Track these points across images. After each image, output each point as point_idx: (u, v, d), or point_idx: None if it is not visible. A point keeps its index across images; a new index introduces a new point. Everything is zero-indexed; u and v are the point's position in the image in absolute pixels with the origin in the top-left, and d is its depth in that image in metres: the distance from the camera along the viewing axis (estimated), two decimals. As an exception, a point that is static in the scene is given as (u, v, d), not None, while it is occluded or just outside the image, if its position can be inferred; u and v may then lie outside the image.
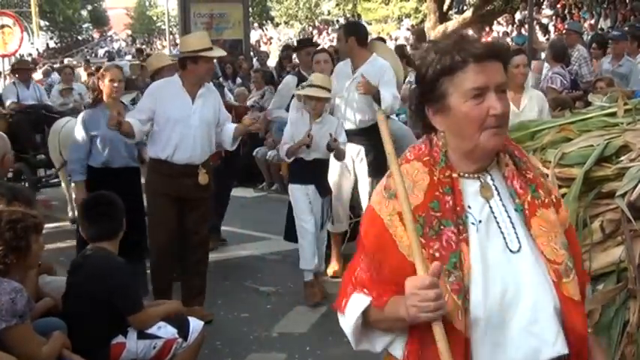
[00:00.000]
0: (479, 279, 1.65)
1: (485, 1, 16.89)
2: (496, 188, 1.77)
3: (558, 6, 22.64)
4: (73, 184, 7.79)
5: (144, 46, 37.94)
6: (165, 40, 33.85)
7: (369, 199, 5.99)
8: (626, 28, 11.61)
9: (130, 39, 50.72)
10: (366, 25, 13.96)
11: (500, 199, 1.75)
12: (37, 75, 15.51)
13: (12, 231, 3.15)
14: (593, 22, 20.19)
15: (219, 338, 4.76)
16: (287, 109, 6.21)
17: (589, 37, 12.87)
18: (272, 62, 16.92)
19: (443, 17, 16.91)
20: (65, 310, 3.64)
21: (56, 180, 8.51)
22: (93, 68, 19.19)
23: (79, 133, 5.40)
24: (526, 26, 16.05)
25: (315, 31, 33.11)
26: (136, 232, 5.25)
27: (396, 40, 22.11)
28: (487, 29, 19.47)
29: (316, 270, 5.52)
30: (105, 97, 5.39)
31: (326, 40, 27.67)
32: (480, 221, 1.72)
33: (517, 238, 1.72)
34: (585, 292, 1.85)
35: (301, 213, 5.41)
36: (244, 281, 6.01)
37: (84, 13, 55.07)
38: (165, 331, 3.65)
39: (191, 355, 3.74)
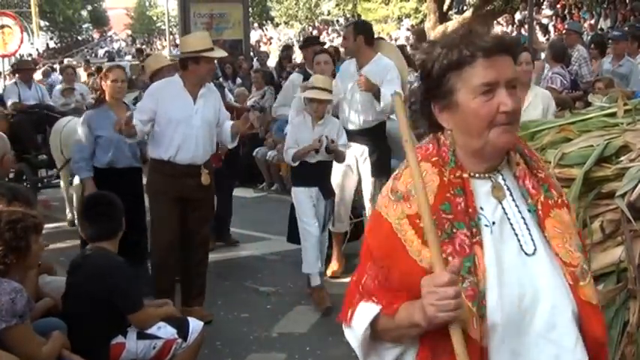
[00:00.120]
0: (494, 284, 1.58)
1: (485, 1, 16.88)
2: (508, 188, 1.69)
3: (558, 6, 22.65)
4: (73, 185, 7.84)
5: (144, 47, 37.95)
6: (166, 40, 33.85)
7: (372, 199, 5.96)
8: (626, 29, 11.62)
9: (130, 39, 50.71)
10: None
11: (513, 200, 1.69)
12: (37, 75, 15.49)
13: (12, 231, 3.16)
14: (593, 22, 20.19)
15: (219, 338, 4.76)
16: None
17: (589, 37, 12.86)
18: (272, 62, 16.92)
19: (443, 17, 16.91)
20: (65, 311, 3.64)
21: (57, 180, 8.49)
22: (93, 68, 19.21)
23: (84, 134, 5.39)
24: (526, 26, 16.05)
25: (315, 32, 33.07)
26: (135, 232, 5.26)
27: (396, 40, 22.10)
28: (487, 29, 19.41)
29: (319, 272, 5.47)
30: (108, 98, 5.39)
31: (326, 40, 27.66)
32: (494, 223, 1.64)
33: (532, 240, 1.65)
34: None
35: (305, 216, 5.37)
36: (244, 281, 6.01)
37: (84, 13, 55.05)
38: (165, 331, 3.65)
39: (191, 355, 3.74)
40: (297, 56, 15.64)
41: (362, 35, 5.78)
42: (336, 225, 5.93)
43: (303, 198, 5.38)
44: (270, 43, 32.08)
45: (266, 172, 9.99)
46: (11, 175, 8.44)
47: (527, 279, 1.60)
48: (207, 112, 4.93)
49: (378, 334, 1.68)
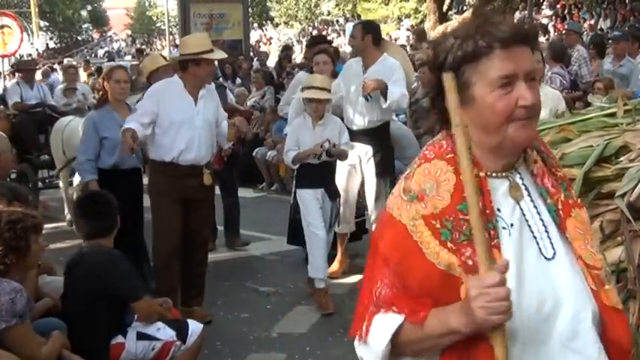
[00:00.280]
0: (513, 290, 1.46)
1: (485, 1, 16.90)
2: (526, 188, 1.60)
3: (558, 6, 22.67)
4: (73, 185, 7.83)
5: (144, 47, 37.96)
6: (165, 40, 33.87)
7: (377, 199, 5.93)
8: (626, 29, 11.62)
9: (129, 39, 50.73)
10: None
11: (532, 200, 1.59)
12: (37, 75, 15.50)
13: (12, 231, 3.16)
14: (592, 22, 20.20)
15: (219, 338, 4.76)
16: None
17: (589, 37, 12.87)
18: (272, 62, 16.93)
19: (443, 17, 16.94)
20: (64, 311, 3.64)
21: (59, 181, 8.46)
22: (93, 68, 19.22)
23: (89, 135, 5.32)
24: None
25: (314, 32, 33.09)
26: (135, 234, 5.27)
27: (395, 40, 22.11)
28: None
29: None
30: (110, 99, 5.35)
31: (326, 40, 27.63)
32: (512, 225, 1.55)
33: (551, 243, 1.55)
34: None
35: (313, 219, 5.28)
36: (244, 281, 6.01)
37: (84, 13, 55.05)
38: (165, 332, 3.65)
39: (190, 357, 3.73)
40: (298, 56, 15.66)
41: (370, 35, 5.77)
42: (342, 226, 5.91)
43: (310, 200, 5.30)
44: (270, 44, 32.10)
45: (266, 173, 10.00)
46: (13, 176, 8.45)
47: (547, 285, 1.51)
48: (208, 113, 4.93)
49: (399, 348, 1.55)
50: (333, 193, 5.43)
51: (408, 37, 21.69)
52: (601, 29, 18.36)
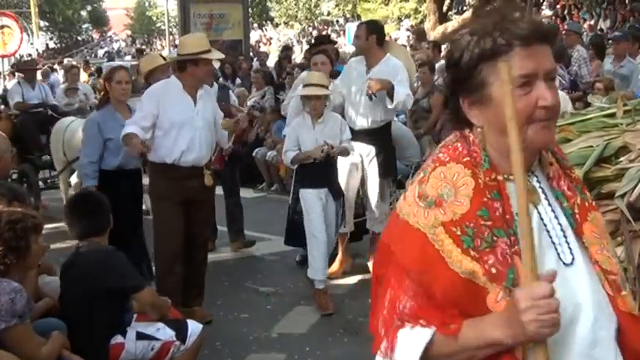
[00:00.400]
0: None
1: (485, 1, 16.90)
2: (543, 191, 1.54)
3: (558, 6, 22.66)
4: (72, 185, 7.83)
5: (144, 47, 37.96)
6: (165, 40, 33.88)
7: (379, 200, 5.88)
8: (626, 29, 11.62)
9: (129, 39, 50.73)
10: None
11: (549, 204, 1.53)
12: (37, 76, 15.50)
13: (12, 231, 3.16)
14: (592, 22, 20.20)
15: (218, 339, 4.76)
16: None
17: (588, 37, 12.88)
18: (271, 63, 16.93)
19: (442, 18, 16.96)
20: (62, 312, 3.63)
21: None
22: (93, 69, 19.22)
23: (93, 137, 5.24)
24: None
25: (314, 32, 33.11)
26: (136, 235, 5.27)
27: (395, 40, 22.11)
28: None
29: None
30: (112, 99, 5.29)
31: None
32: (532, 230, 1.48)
33: (569, 248, 1.50)
34: None
35: (314, 221, 5.23)
36: (244, 282, 6.01)
37: (83, 13, 55.04)
38: (164, 333, 3.64)
39: (189, 358, 3.73)
40: (298, 57, 15.66)
41: (374, 35, 5.77)
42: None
43: (313, 200, 5.24)
44: (270, 44, 32.11)
45: (266, 173, 10.00)
46: (14, 176, 8.44)
47: (567, 292, 1.44)
48: (207, 113, 4.91)
49: None
50: (336, 192, 5.37)
51: (408, 37, 21.70)
52: (601, 29, 18.36)
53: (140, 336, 3.60)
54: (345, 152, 5.40)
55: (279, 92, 10.86)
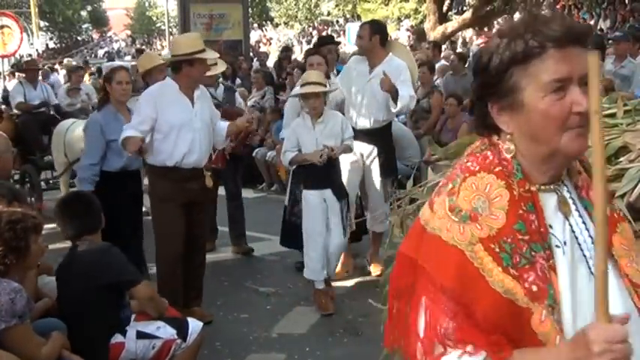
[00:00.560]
0: (569, 316, 1.36)
1: (485, 1, 16.92)
2: (573, 202, 1.48)
3: (558, 7, 22.66)
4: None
5: (144, 47, 37.97)
6: (165, 40, 33.89)
7: (381, 199, 5.81)
8: (626, 29, 11.62)
9: (129, 39, 50.76)
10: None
11: (580, 215, 1.47)
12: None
13: (12, 231, 3.16)
14: (592, 22, 20.21)
15: (218, 339, 4.76)
16: None
17: (588, 37, 12.85)
18: (271, 63, 16.94)
19: (442, 18, 16.96)
20: (61, 312, 3.63)
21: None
22: (93, 69, 19.23)
23: (95, 138, 5.18)
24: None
25: (314, 32, 33.12)
26: (136, 235, 5.26)
27: (396, 41, 22.11)
28: (486, 30, 19.51)
29: (332, 276, 5.38)
30: (112, 100, 5.22)
31: (325, 40, 27.61)
32: (565, 243, 1.43)
33: None
34: None
35: (313, 222, 5.19)
36: (244, 282, 6.01)
37: (83, 13, 55.10)
38: (165, 331, 3.64)
39: (190, 356, 3.73)
40: (298, 57, 15.64)
41: (378, 35, 5.76)
42: None
43: (315, 203, 5.17)
44: (270, 44, 32.12)
45: (266, 173, 10.00)
46: (16, 177, 8.43)
47: None
48: (205, 114, 4.89)
49: None
50: (341, 193, 5.27)
51: (409, 37, 21.71)
52: (601, 30, 18.37)
53: (140, 335, 3.59)
54: (348, 150, 5.35)
55: (279, 92, 10.87)
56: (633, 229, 2.72)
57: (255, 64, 15.98)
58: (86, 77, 16.92)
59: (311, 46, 13.26)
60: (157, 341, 3.60)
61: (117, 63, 18.49)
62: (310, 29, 35.22)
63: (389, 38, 6.58)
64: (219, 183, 6.63)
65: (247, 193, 9.46)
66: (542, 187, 1.44)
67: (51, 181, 8.85)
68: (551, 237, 1.41)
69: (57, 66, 21.72)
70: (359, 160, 5.75)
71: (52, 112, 9.10)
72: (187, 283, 5.06)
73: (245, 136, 6.51)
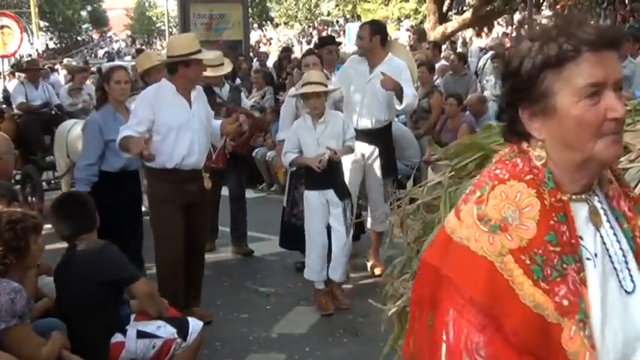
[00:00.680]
0: (598, 332, 1.31)
1: (485, 1, 16.92)
2: (604, 212, 1.43)
3: (558, 7, 22.67)
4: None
5: (144, 47, 37.97)
6: (165, 40, 33.88)
7: (381, 199, 5.77)
8: (626, 29, 11.61)
9: (129, 40, 50.76)
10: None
11: (611, 227, 1.42)
12: (37, 76, 15.48)
13: (12, 231, 3.16)
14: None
15: (218, 339, 4.76)
16: None
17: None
18: (271, 63, 16.94)
19: (442, 18, 16.98)
20: (60, 312, 3.63)
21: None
22: (93, 69, 19.21)
23: (93, 138, 5.14)
24: (525, 27, 16.05)
25: (314, 32, 33.13)
26: (136, 235, 5.26)
27: (395, 41, 22.10)
28: (486, 30, 19.52)
29: (342, 279, 5.34)
30: (111, 100, 5.18)
31: (325, 40, 27.59)
32: (596, 255, 1.37)
33: (630, 274, 1.39)
34: None
35: (312, 224, 5.19)
36: (244, 282, 6.01)
37: (83, 13, 55.12)
38: (165, 330, 3.64)
39: (190, 355, 3.73)
40: (297, 57, 15.62)
41: (379, 35, 5.75)
42: None
43: (316, 203, 5.16)
44: (270, 44, 32.12)
45: (266, 173, 10.00)
46: (18, 177, 8.42)
47: (627, 322, 1.35)
48: (202, 114, 4.87)
49: None
50: (343, 193, 5.22)
51: (409, 37, 21.70)
52: (601, 30, 18.35)
53: (141, 334, 3.59)
54: (350, 151, 5.34)
55: (279, 92, 10.87)
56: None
57: (255, 64, 16.00)
58: (86, 77, 16.92)
59: (311, 46, 13.30)
60: (157, 340, 3.60)
61: (117, 63, 18.48)
62: (310, 29, 35.21)
63: (389, 38, 6.59)
64: (223, 183, 6.64)
65: (247, 193, 9.40)
66: (574, 197, 1.39)
67: (52, 182, 8.81)
68: (582, 249, 1.36)
69: (57, 66, 21.72)
70: (360, 160, 5.74)
71: (53, 112, 9.07)
72: (187, 283, 5.05)
73: (249, 136, 6.51)
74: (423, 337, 1.43)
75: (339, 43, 8.40)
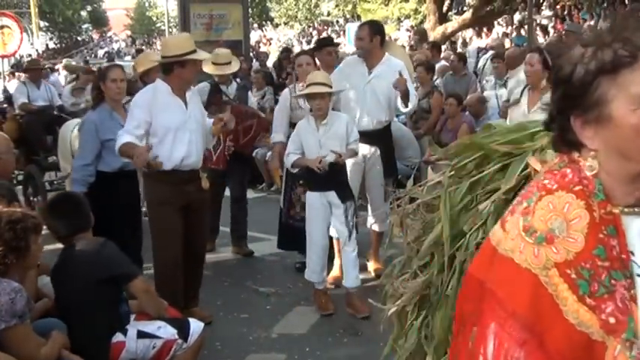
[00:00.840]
0: None
1: (485, 2, 16.93)
2: None
3: (558, 7, 22.68)
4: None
5: (144, 47, 37.98)
6: (165, 40, 33.89)
7: (382, 200, 5.75)
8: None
9: (129, 40, 50.80)
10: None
11: None
12: (37, 76, 15.48)
13: (12, 231, 3.16)
14: (592, 23, 20.20)
15: (218, 339, 4.76)
16: None
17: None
18: (271, 63, 16.94)
19: (442, 18, 16.99)
20: (60, 312, 3.63)
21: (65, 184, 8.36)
22: (93, 69, 19.22)
23: (89, 138, 5.09)
24: (526, 27, 16.08)
25: (314, 32, 33.14)
26: (135, 235, 5.25)
27: (395, 41, 22.12)
28: (486, 30, 19.53)
29: (355, 284, 5.24)
30: (107, 99, 5.12)
31: (325, 41, 27.60)
32: None
33: None
34: None
35: (313, 225, 5.16)
36: (244, 282, 6.01)
37: (83, 13, 55.15)
38: (165, 331, 3.64)
39: (191, 356, 3.73)
40: (297, 57, 15.62)
41: (379, 36, 5.76)
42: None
43: (317, 205, 5.13)
44: (270, 44, 32.13)
45: (266, 173, 10.00)
46: (20, 178, 8.41)
47: None
48: (198, 114, 4.86)
49: None
50: (345, 195, 5.15)
51: (409, 37, 21.73)
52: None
53: (141, 334, 3.59)
54: (354, 154, 5.32)
55: (279, 92, 10.86)
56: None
57: (255, 64, 15.99)
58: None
59: (311, 46, 13.29)
60: (158, 341, 3.60)
61: (115, 63, 18.45)
62: (310, 29, 35.22)
63: (389, 39, 6.60)
64: (225, 184, 6.64)
65: (247, 193, 9.47)
66: (626, 210, 1.33)
67: (55, 182, 8.77)
68: (633, 264, 1.30)
69: (57, 66, 21.72)
70: (360, 160, 5.74)
71: (55, 113, 9.05)
72: (186, 283, 5.05)
73: (255, 136, 6.51)
74: (464, 352, 1.39)
75: (338, 45, 8.40)
